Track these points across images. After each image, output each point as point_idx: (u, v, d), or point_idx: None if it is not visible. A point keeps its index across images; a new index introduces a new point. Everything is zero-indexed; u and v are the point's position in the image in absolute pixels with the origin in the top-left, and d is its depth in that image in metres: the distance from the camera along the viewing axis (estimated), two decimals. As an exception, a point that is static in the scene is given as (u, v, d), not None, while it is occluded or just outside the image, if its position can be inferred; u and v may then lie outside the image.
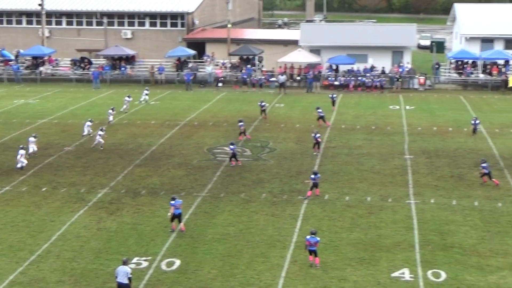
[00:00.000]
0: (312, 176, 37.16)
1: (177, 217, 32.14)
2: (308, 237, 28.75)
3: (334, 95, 60.60)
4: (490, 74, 72.80)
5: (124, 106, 58.93)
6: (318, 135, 45.35)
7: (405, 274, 27.74)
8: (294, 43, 77.10)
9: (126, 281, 25.12)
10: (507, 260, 29.05)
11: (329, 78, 72.85)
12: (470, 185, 38.87)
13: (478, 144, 48.18)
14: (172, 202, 32.23)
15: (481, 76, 73.45)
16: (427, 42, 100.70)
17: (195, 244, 30.75)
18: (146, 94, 63.81)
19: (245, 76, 72.43)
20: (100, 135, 46.61)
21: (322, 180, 38.16)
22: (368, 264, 28.66)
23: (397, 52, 75.85)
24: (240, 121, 49.47)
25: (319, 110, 53.35)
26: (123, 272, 25.20)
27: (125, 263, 25.62)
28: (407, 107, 62.09)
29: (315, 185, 36.98)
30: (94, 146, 46.48)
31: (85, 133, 49.26)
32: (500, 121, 56.03)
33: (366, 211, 34.90)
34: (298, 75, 73.85)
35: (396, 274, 27.68)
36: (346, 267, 28.36)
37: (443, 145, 47.89)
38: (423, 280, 27.19)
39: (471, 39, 76.27)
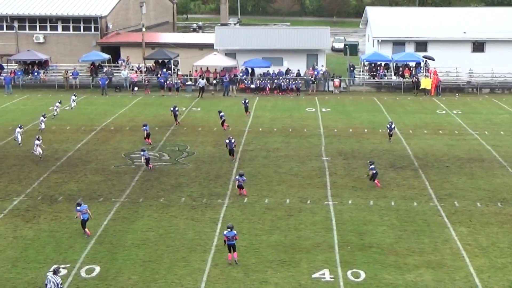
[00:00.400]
0: (237, 177, 37.41)
1: (85, 222, 31.88)
2: (225, 232, 29.10)
3: (247, 100, 60.50)
4: (402, 76, 74.27)
5: (55, 113, 57.82)
6: (233, 140, 45.23)
7: (326, 274, 28.04)
8: (209, 47, 77.10)
9: None
10: (424, 258, 29.67)
11: (245, 82, 73.05)
12: (387, 185, 39.54)
13: (393, 145, 49.06)
14: (78, 207, 31.94)
15: (394, 78, 74.88)
16: (341, 45, 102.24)
17: (114, 250, 30.39)
18: (74, 100, 62.47)
19: (162, 80, 71.99)
20: (37, 144, 44.94)
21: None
22: (289, 265, 28.85)
23: (311, 55, 76.67)
24: (144, 125, 49.61)
25: (222, 114, 53.44)
26: (53, 282, 24.70)
27: (55, 272, 25.17)
28: (323, 110, 62.79)
29: (239, 186, 37.26)
30: (40, 156, 44.95)
31: (19, 140, 48.01)
32: (413, 122, 57.22)
33: (286, 213, 35.13)
34: (214, 79, 73.81)
35: (316, 275, 27.95)
36: (267, 270, 28.48)
37: (359, 146, 48.61)
38: (343, 280, 27.53)
39: (383, 41, 77.59)
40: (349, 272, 28.22)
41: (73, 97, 62.89)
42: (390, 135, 49.74)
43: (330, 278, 27.80)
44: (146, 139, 49.13)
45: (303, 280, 27.53)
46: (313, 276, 27.82)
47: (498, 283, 27.35)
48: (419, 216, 34.73)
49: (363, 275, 28.02)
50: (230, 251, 29.04)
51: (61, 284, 24.86)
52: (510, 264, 29.08)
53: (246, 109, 59.47)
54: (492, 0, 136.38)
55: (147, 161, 42.56)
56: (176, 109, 55.70)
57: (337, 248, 30.73)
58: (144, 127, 49.24)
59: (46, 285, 24.88)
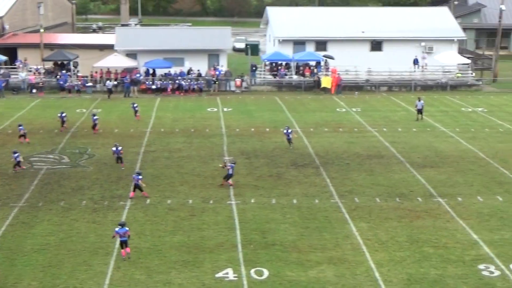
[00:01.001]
0: (134, 175, 37.17)
1: None
2: (116, 229, 29.62)
3: (135, 104, 58.74)
4: (303, 75, 75.16)
5: None
6: (120, 148, 43.84)
7: (229, 274, 28.12)
8: (109, 48, 76.10)
9: None
10: (325, 254, 30.11)
11: (147, 82, 72.50)
12: (288, 183, 39.93)
13: (295, 143, 49.52)
14: None
15: (295, 77, 75.70)
16: (242, 45, 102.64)
17: (13, 256, 29.69)
18: None
19: (61, 82, 70.69)
20: None
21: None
22: (193, 266, 28.81)
23: (213, 55, 76.74)
24: (20, 125, 49.12)
25: (95, 117, 52.85)
26: None
27: None
28: (225, 109, 62.93)
29: (136, 186, 36.96)
30: None
31: None
32: (314, 120, 57.97)
33: (189, 213, 35.06)
34: (115, 80, 72.97)
35: (220, 274, 28.00)
36: (171, 271, 28.37)
37: (261, 145, 48.92)
38: (247, 279, 27.67)
39: (284, 41, 78.29)
40: (252, 271, 28.38)
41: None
42: (289, 141, 48.57)
43: (234, 277, 27.89)
44: (22, 138, 48.58)
45: (206, 280, 27.54)
46: (217, 275, 27.86)
47: (397, 276, 28.00)
48: (320, 213, 35.21)
49: (266, 273, 28.22)
50: (122, 247, 29.42)
51: None
52: (409, 257, 29.82)
53: (136, 113, 57.84)
54: (389, 1, 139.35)
55: (18, 163, 41.85)
56: (64, 115, 53.73)
57: (240, 247, 30.85)
58: (20, 127, 48.73)
59: None
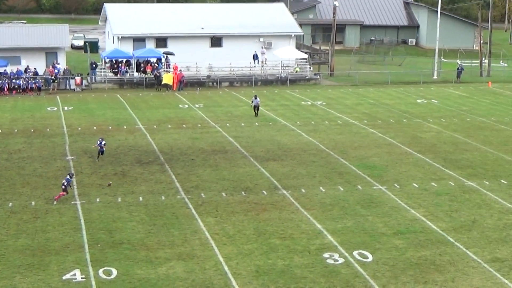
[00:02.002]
0: None
1: None
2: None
3: None
4: (144, 72, 74.66)
5: None
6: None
7: (77, 275, 27.58)
8: None
9: None
10: (174, 250, 30.09)
11: (-19, 82, 69.82)
12: (134, 181, 39.59)
13: (138, 141, 49.22)
14: None
15: (136, 74, 75.09)
16: (80, 42, 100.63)
17: None
18: None
19: None
20: None
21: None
22: (38, 269, 28.04)
23: (50, 53, 74.89)
24: None
25: None
26: None
27: None
28: (66, 108, 61.58)
29: None
30: None
31: None
32: (157, 117, 57.76)
33: (32, 215, 34.08)
34: None
35: (67, 276, 27.41)
36: (15, 275, 27.49)
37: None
38: (95, 279, 27.23)
39: (123, 38, 77.46)
40: (100, 271, 27.95)
41: None
42: (101, 153, 44.45)
43: (82, 278, 27.37)
44: None
45: (53, 282, 26.87)
46: (64, 277, 27.25)
47: (246, 268, 28.37)
48: (167, 210, 35.15)
49: (115, 272, 27.87)
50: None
51: None
52: (256, 249, 30.28)
53: None
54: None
55: None
56: None
57: (87, 247, 30.31)
58: None
59: None
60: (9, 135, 50.75)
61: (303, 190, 38.49)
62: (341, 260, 29.36)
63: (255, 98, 58.66)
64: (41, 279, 27.13)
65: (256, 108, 58.56)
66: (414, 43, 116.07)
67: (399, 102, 67.15)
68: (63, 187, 36.22)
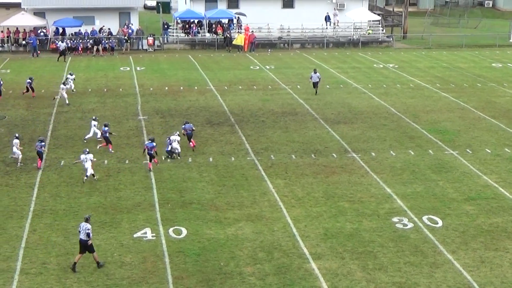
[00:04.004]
0: (37, 143, 35.84)
1: None
2: (146, 142, 34.88)
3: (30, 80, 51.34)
4: (215, 33, 74.77)
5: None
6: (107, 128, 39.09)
7: (147, 233, 28.04)
8: (16, 6, 73.97)
9: (85, 237, 25.03)
10: (243, 211, 30.30)
11: (56, 42, 70.86)
12: (204, 142, 39.86)
13: (209, 101, 49.47)
14: None
15: (207, 35, 75.27)
16: (153, 3, 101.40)
17: None
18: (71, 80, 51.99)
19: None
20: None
21: (56, 146, 37.37)
22: (110, 226, 28.60)
23: (124, 13, 75.54)
24: None
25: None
26: (83, 229, 25.12)
27: (87, 220, 25.39)
28: (138, 68, 62.23)
29: (39, 154, 35.75)
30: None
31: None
32: (228, 78, 57.90)
33: (104, 174, 34.69)
34: (24, 39, 71.17)
35: (138, 234, 27.88)
36: (88, 232, 28.09)
37: (175, 104, 48.62)
38: (165, 238, 27.64)
39: (196, -1, 77.69)
40: (170, 230, 28.35)
41: (70, 76, 52.46)
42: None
43: (152, 236, 27.82)
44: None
45: (125, 240, 27.39)
46: (135, 235, 27.74)
47: (314, 231, 28.42)
48: (237, 171, 35.34)
49: (184, 231, 28.24)
50: (150, 160, 34.63)
51: (89, 229, 25.07)
52: (325, 212, 30.28)
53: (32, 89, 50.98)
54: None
55: None
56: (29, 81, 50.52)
57: (157, 206, 30.76)
58: None
59: (80, 232, 25.26)
60: (83, 94, 51.56)
61: (373, 154, 38.23)
62: (410, 225, 29.16)
63: (314, 72, 52.65)
64: (113, 237, 27.67)
65: (315, 84, 52.34)
66: (490, 5, 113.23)
67: (474, 65, 65.83)
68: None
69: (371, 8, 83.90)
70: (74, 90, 51.00)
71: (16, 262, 25.62)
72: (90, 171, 33.51)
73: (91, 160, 33.55)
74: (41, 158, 35.68)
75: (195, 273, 24.92)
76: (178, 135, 37.37)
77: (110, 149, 37.91)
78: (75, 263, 25.16)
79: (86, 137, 39.88)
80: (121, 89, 53.14)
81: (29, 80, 50.45)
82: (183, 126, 39.09)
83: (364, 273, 25.09)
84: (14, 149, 36.21)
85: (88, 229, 25.12)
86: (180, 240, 27.56)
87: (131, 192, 32.37)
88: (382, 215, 30.09)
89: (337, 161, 37.07)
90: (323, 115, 46.01)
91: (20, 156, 36.02)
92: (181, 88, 54.15)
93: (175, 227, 28.65)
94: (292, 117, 45.63)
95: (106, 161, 36.49)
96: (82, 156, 33.67)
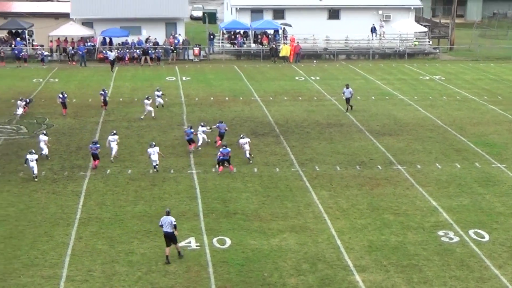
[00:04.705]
0: (91, 145, 37.31)
1: None
2: (221, 149, 36.33)
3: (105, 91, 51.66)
4: (261, 43, 74.95)
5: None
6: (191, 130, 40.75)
7: (192, 243, 28.17)
8: (65, 16, 74.95)
9: (171, 229, 26.52)
10: (287, 222, 30.27)
11: (104, 51, 71.65)
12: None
13: (254, 112, 49.58)
14: None
15: (253, 45, 75.48)
16: (199, 13, 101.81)
17: (-27, 228, 29.43)
18: (159, 96, 50.96)
19: (16, 52, 69.52)
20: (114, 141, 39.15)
21: (103, 154, 37.73)
22: (154, 235, 28.77)
23: (170, 23, 76.09)
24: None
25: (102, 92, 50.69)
26: (168, 222, 26.52)
27: (168, 213, 26.87)
28: (184, 78, 62.61)
29: (94, 156, 37.06)
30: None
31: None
32: (273, 89, 57.96)
33: (149, 183, 34.96)
34: (72, 49, 72.07)
35: (182, 243, 27.97)
36: (133, 240, 28.33)
37: (220, 114, 48.77)
38: (209, 248, 27.73)
39: (241, 9, 77.82)
40: (214, 240, 28.45)
41: (157, 92, 51.15)
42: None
43: (196, 246, 27.94)
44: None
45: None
46: (179, 245, 27.82)
47: (359, 243, 28.28)
48: (281, 182, 35.33)
49: (228, 241, 28.31)
50: (222, 165, 36.17)
51: (174, 221, 26.67)
52: (369, 224, 30.12)
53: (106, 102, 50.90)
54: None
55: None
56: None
57: (202, 216, 30.89)
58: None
59: (162, 226, 26.70)
60: (129, 103, 52.02)
61: (418, 166, 37.94)
62: (456, 239, 28.87)
63: (347, 87, 50.21)
64: (157, 245, 27.83)
65: (347, 100, 50.03)
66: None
67: (522, 78, 65.07)
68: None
69: (418, 20, 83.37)
70: (163, 105, 50.47)
71: (62, 269, 25.92)
72: (156, 163, 36.45)
73: (158, 152, 36.41)
74: (96, 159, 36.95)
75: (238, 284, 24.96)
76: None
77: (192, 148, 40.12)
78: (167, 256, 26.50)
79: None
80: (167, 99, 53.43)
81: (102, 92, 50.27)
82: (217, 125, 41.15)
83: (408, 287, 24.91)
84: (42, 144, 38.16)
85: (174, 221, 26.61)
86: (224, 250, 27.62)
87: (176, 201, 32.55)
88: (428, 228, 29.84)
89: (382, 173, 36.86)
90: (369, 127, 45.81)
91: (47, 152, 38.25)
92: (227, 98, 54.35)
93: (219, 237, 28.73)
94: (337, 128, 45.51)
95: (151, 170, 36.73)
96: (149, 150, 36.38)
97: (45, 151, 38.50)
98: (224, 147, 36.91)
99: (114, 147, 38.57)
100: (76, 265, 26.24)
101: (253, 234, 29.08)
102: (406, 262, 26.78)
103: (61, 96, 48.81)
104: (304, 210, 31.64)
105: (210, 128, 41.26)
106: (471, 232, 29.50)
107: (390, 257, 27.12)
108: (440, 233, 29.38)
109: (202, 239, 28.56)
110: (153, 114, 47.44)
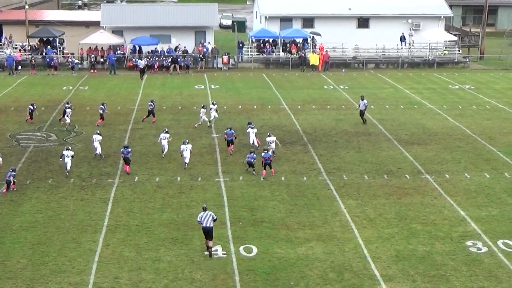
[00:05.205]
0: (122, 149, 37.96)
1: None
2: (262, 154, 36.96)
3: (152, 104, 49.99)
4: (290, 52, 74.99)
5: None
6: (232, 131, 41.93)
7: (218, 251, 28.19)
8: (96, 24, 75.62)
9: (211, 224, 27.52)
10: (314, 231, 30.21)
11: (133, 59, 72.11)
12: (277, 160, 39.84)
13: (282, 120, 49.59)
14: None
15: (282, 54, 75.55)
16: (228, 22, 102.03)
17: (2, 234, 29.68)
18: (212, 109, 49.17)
19: (47, 60, 70.21)
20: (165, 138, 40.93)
21: (131, 162, 37.96)
22: (181, 243, 28.87)
23: (199, 32, 76.42)
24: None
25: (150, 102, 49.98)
26: (208, 216, 27.55)
27: (205, 209, 27.92)
28: (212, 86, 62.80)
29: (126, 160, 37.74)
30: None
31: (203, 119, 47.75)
32: (301, 97, 57.94)
33: (177, 191, 35.08)
34: (102, 57, 72.65)
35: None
36: (160, 248, 28.43)
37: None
38: (236, 256, 27.76)
39: (270, 18, 77.99)
40: (241, 248, 28.46)
41: (212, 106, 49.74)
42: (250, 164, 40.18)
43: (223, 254, 27.97)
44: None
45: (195, 257, 27.60)
46: (206, 252, 27.89)
47: (386, 253, 28.15)
48: (309, 190, 35.29)
49: (255, 250, 28.32)
50: (264, 168, 36.77)
51: (215, 215, 27.93)
52: (397, 234, 29.97)
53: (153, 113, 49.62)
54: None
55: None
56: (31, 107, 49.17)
57: (229, 224, 30.92)
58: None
59: (201, 222, 27.64)
60: (158, 111, 52.14)
61: (447, 176, 37.71)
62: (484, 249, 28.64)
63: (362, 99, 49.38)
64: (184, 253, 27.91)
65: (361, 112, 49.15)
66: None
67: (553, 87, 64.45)
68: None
69: (447, 28, 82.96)
70: (217, 116, 49.59)
71: (89, 276, 26.08)
72: (187, 160, 38.27)
73: (190, 150, 38.24)
74: (128, 163, 37.81)
75: (264, 292, 24.95)
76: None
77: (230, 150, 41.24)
78: (209, 248, 27.55)
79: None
80: (195, 107, 53.64)
81: (150, 103, 49.50)
82: (225, 131, 41.79)
83: (436, 297, 24.74)
84: (96, 144, 39.82)
85: (215, 216, 27.82)
86: (251, 258, 27.63)
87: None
88: (456, 238, 29.63)
89: (410, 182, 36.69)
90: (397, 136, 45.62)
91: (100, 151, 40.20)
92: (255, 106, 54.42)
93: (246, 245, 28.75)
94: (365, 137, 45.37)
95: (179, 178, 36.88)
96: (182, 147, 38.35)
97: (99, 150, 40.00)
98: (266, 151, 37.45)
99: (165, 145, 40.39)
100: (103, 272, 26.39)
101: (280, 242, 29.06)
102: (434, 272, 26.60)
103: (102, 107, 48.86)
104: (331, 219, 31.57)
105: (220, 135, 41.78)
106: (499, 242, 29.25)
107: (417, 267, 26.97)
108: (468, 243, 29.17)
109: (228, 247, 28.59)
110: (208, 124, 47.81)
